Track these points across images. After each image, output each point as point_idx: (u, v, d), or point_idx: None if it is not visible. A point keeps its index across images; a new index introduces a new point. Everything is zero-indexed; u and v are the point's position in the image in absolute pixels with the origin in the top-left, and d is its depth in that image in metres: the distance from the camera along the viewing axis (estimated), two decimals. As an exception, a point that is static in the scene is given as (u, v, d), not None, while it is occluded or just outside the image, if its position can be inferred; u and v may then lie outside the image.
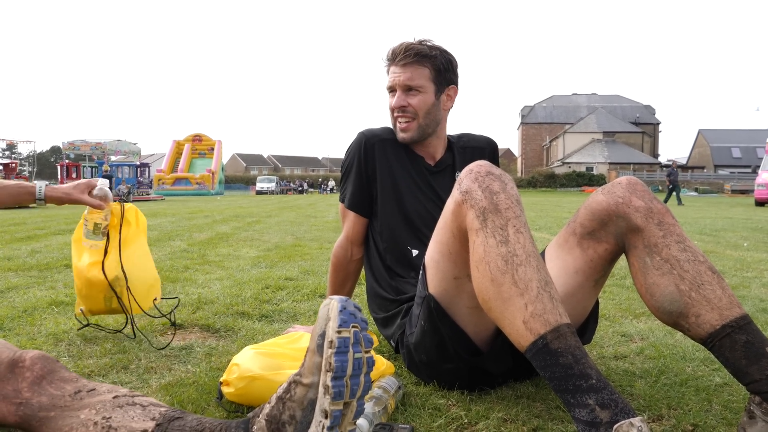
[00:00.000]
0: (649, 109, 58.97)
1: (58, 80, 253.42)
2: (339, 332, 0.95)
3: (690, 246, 1.25)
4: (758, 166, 18.87)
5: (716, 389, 1.51)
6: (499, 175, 1.25)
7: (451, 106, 1.79)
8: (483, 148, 1.88)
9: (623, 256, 1.37)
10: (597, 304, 1.51)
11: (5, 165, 19.29)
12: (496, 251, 1.15)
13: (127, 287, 1.90)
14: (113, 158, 28.55)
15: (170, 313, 2.07)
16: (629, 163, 48.90)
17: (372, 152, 1.76)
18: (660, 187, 37.46)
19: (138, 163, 29.28)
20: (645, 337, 2.05)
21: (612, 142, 52.26)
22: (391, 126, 1.80)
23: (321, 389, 0.95)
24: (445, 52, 1.74)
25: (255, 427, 0.98)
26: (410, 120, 1.72)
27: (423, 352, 1.47)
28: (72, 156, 28.93)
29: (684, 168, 49.55)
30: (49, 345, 1.88)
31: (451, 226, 1.29)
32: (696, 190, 39.27)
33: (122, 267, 1.89)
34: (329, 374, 0.94)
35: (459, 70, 1.78)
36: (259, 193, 42.56)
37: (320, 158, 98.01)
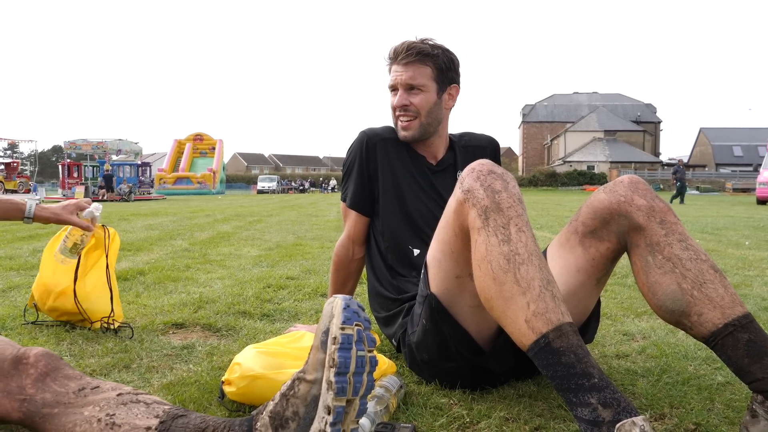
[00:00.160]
0: (651, 108, 58.89)
1: (60, 80, 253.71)
2: (342, 329, 0.96)
3: (692, 244, 1.25)
4: (760, 165, 18.82)
5: (718, 388, 1.50)
6: (501, 173, 1.24)
7: (453, 105, 1.79)
8: (484, 147, 1.87)
9: (625, 255, 1.37)
10: (599, 302, 1.51)
11: (7, 164, 19.31)
12: (498, 250, 1.15)
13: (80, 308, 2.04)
14: (114, 157, 28.54)
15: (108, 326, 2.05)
16: (630, 162, 48.88)
17: (374, 151, 1.76)
18: (661, 186, 37.42)
19: (139, 162, 29.28)
20: (647, 335, 2.05)
21: (613, 141, 52.22)
22: (392, 125, 1.80)
23: (324, 385, 0.95)
24: (447, 51, 1.73)
25: (258, 423, 0.98)
26: (412, 119, 1.72)
27: (425, 351, 1.47)
28: (73, 155, 28.89)
29: (686, 166, 49.47)
30: (51, 344, 1.88)
31: (453, 224, 1.29)
32: (697, 188, 39.21)
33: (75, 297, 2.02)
34: (332, 370, 0.94)
35: (461, 69, 1.78)
36: (260, 192, 42.59)
37: (321, 157, 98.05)
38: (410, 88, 1.70)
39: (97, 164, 27.41)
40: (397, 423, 1.22)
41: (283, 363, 1.39)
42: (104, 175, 23.97)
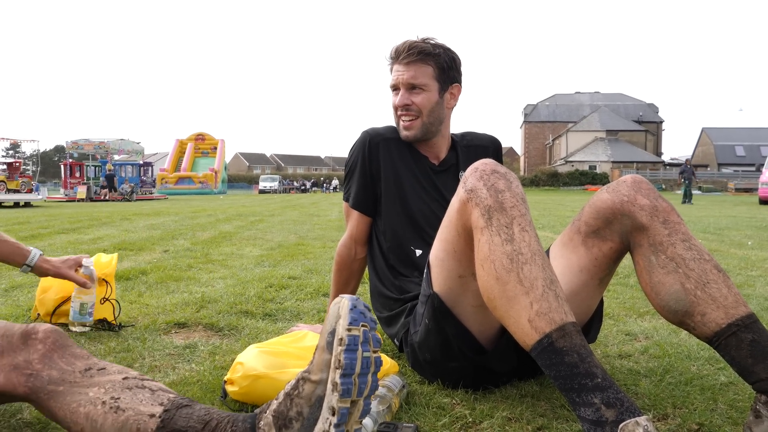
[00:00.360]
0: (653, 108, 58.78)
1: (62, 79, 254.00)
2: (349, 330, 0.96)
3: (695, 244, 1.25)
4: (762, 165, 18.80)
5: (722, 388, 1.50)
6: (504, 173, 1.24)
7: (455, 105, 1.79)
8: (487, 147, 1.87)
9: (628, 255, 1.37)
10: (602, 302, 1.51)
11: (9, 164, 19.28)
12: (501, 249, 1.15)
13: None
14: (117, 157, 28.58)
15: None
16: (632, 162, 48.79)
17: (376, 151, 1.76)
18: (663, 186, 37.35)
19: (141, 162, 29.32)
20: (649, 335, 2.04)
21: (615, 141, 52.12)
22: (394, 125, 1.80)
23: (329, 386, 0.95)
24: (449, 50, 1.73)
25: (262, 422, 0.98)
26: (414, 118, 1.71)
27: (427, 350, 1.47)
28: (75, 155, 28.94)
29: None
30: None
31: (456, 224, 1.29)
32: (700, 188, 39.12)
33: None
34: (338, 371, 0.94)
35: (462, 69, 1.78)
36: (262, 192, 42.64)
37: (323, 157, 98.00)
38: (412, 87, 1.70)
39: (99, 164, 27.43)
40: (399, 423, 1.22)
41: (286, 362, 1.39)
42: (106, 174, 23.99)
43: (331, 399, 0.94)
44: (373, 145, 1.76)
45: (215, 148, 37.01)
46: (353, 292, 1.93)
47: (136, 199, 22.84)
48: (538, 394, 1.45)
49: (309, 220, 8.59)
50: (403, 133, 1.75)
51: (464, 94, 1.79)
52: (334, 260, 1.90)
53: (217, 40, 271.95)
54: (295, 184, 52.99)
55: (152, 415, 0.99)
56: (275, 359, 1.39)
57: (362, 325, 0.97)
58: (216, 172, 34.26)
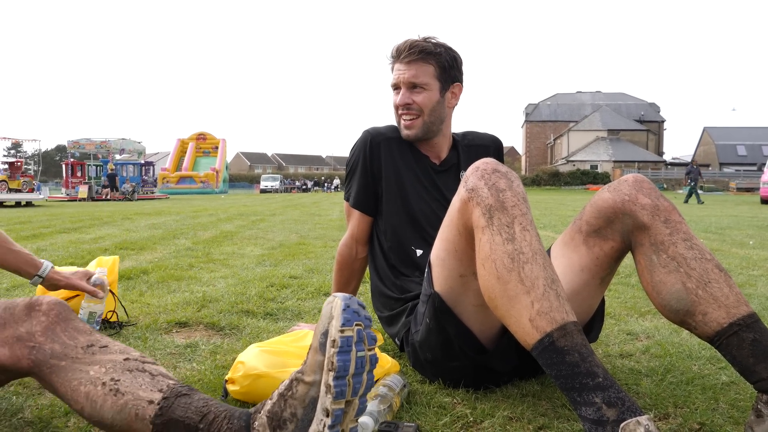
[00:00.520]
0: (654, 107, 58.73)
1: (63, 79, 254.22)
2: (342, 331, 0.94)
3: (697, 244, 1.24)
4: (764, 164, 18.78)
5: (723, 388, 1.50)
6: (505, 172, 1.24)
7: (456, 104, 1.78)
8: (488, 146, 1.87)
9: (629, 254, 1.37)
10: (603, 302, 1.51)
11: (11, 164, 19.28)
12: (503, 249, 1.14)
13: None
14: (118, 157, 28.58)
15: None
16: (634, 161, 48.75)
17: (377, 151, 1.76)
18: (665, 185, 37.30)
19: (142, 161, 29.31)
20: (651, 335, 2.04)
21: (616, 140, 52.08)
22: (395, 124, 1.80)
23: (323, 388, 0.95)
24: (450, 49, 1.73)
25: (256, 423, 0.97)
26: (415, 117, 1.71)
27: (428, 350, 1.47)
28: (77, 155, 28.96)
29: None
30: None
31: (457, 223, 1.29)
32: (701, 188, 39.08)
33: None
34: (331, 374, 0.93)
35: (463, 68, 1.77)
36: (263, 191, 42.63)
37: (324, 157, 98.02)
38: (413, 86, 1.69)
39: (101, 163, 27.43)
40: (400, 422, 1.22)
41: (287, 362, 1.39)
42: (108, 174, 24.01)
43: (325, 401, 0.94)
44: (375, 145, 1.76)
45: (216, 148, 37.02)
46: (354, 292, 1.93)
47: (138, 199, 22.85)
48: (539, 393, 1.45)
49: (310, 219, 8.59)
50: (404, 133, 1.75)
51: (465, 93, 1.79)
52: (335, 260, 1.90)
53: (219, 40, 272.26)
54: (296, 183, 53.00)
55: (151, 402, 0.99)
56: (276, 358, 1.40)
57: (356, 324, 0.96)
58: (217, 172, 34.28)
